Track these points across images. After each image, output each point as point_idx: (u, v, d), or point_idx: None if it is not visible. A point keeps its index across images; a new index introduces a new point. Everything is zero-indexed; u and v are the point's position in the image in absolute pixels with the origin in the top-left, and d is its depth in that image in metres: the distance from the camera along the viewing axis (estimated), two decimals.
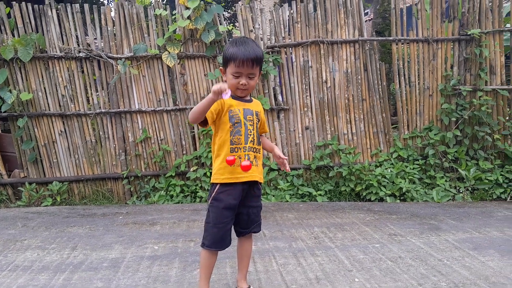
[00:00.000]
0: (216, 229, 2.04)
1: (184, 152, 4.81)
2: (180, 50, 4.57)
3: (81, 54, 4.56)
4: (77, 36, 4.62)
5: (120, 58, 4.55)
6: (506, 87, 4.79)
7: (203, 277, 2.12)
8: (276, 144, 4.83)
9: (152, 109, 4.68)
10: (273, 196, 4.54)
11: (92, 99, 4.71)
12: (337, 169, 4.66)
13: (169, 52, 4.48)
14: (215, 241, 2.06)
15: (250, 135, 2.06)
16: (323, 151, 4.80)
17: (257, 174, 2.09)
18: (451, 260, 2.76)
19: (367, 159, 4.84)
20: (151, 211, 4.10)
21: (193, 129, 4.81)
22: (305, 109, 4.83)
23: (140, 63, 4.64)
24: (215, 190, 2.05)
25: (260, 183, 2.15)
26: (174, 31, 4.59)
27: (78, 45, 4.62)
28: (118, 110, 4.66)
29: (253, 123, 2.08)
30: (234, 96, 2.09)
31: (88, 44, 4.68)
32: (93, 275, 2.57)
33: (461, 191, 4.50)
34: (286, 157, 2.18)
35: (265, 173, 4.65)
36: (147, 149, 4.77)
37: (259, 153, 2.13)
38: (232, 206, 2.05)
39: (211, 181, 2.10)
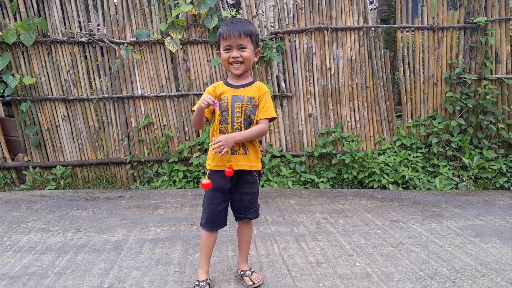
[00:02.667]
0: (208, 209, 2.10)
1: (187, 138, 4.81)
2: (182, 35, 4.54)
3: (83, 39, 4.54)
4: (79, 21, 4.60)
5: (123, 43, 4.53)
6: (511, 76, 4.75)
7: (202, 257, 2.16)
8: (279, 132, 4.83)
9: (155, 94, 4.67)
10: (276, 182, 4.55)
11: (95, 84, 4.70)
12: (340, 156, 4.66)
13: (172, 38, 4.45)
14: (207, 220, 2.12)
15: (237, 122, 2.03)
16: (326, 138, 4.79)
17: (245, 162, 2.07)
18: (452, 247, 2.77)
19: (370, 147, 4.83)
20: (154, 195, 4.12)
21: None
22: (309, 96, 4.80)
23: (143, 48, 4.62)
24: (207, 173, 2.10)
25: (254, 170, 2.12)
26: (177, 16, 4.56)
27: (81, 30, 4.60)
28: (121, 95, 4.65)
29: (241, 110, 2.03)
30: (226, 82, 2.10)
31: (91, 29, 4.65)
32: (96, 256, 2.60)
33: (464, 180, 4.49)
34: (220, 141, 1.93)
35: (267, 160, 4.65)
36: (150, 134, 4.77)
37: (250, 141, 2.08)
38: (223, 189, 2.08)
39: None
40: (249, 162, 2.09)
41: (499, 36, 4.72)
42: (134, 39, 4.57)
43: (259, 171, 2.18)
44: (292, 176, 4.63)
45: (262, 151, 4.83)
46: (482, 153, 4.64)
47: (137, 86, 4.70)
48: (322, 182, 4.53)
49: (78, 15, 4.57)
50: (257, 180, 2.17)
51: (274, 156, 4.75)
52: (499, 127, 4.68)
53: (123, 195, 4.18)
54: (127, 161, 4.69)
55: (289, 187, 4.46)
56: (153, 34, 4.58)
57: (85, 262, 2.52)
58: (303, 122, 4.85)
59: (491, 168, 4.50)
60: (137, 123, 4.74)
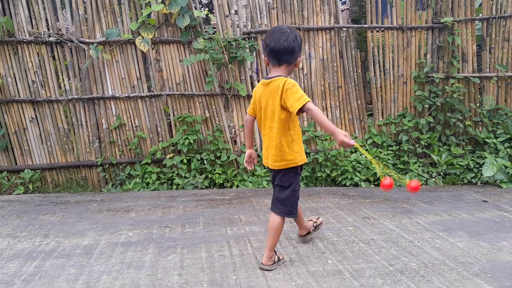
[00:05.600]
0: (297, 199, 2.47)
1: (160, 139, 4.75)
2: (154, 35, 4.49)
3: (51, 39, 4.42)
4: (47, 20, 4.47)
5: (92, 43, 4.43)
6: (477, 74, 4.91)
7: (277, 240, 2.42)
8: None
9: (126, 95, 4.59)
10: (251, 182, 4.55)
11: (64, 85, 4.58)
12: (313, 155, 4.71)
13: (143, 37, 4.39)
14: (296, 208, 2.47)
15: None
16: None
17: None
18: (421, 242, 2.84)
19: None
20: (126, 198, 4.05)
21: (169, 116, 4.76)
22: None
23: (113, 48, 4.53)
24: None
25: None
26: (148, 16, 4.50)
27: (48, 29, 4.48)
28: (91, 96, 4.55)
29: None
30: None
31: (59, 29, 4.53)
32: (66, 262, 2.54)
33: (433, 176, 4.61)
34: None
35: (242, 160, 4.66)
36: (121, 136, 4.69)
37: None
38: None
39: None
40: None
41: (465, 36, 4.87)
42: (104, 38, 4.48)
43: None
44: (267, 176, 4.64)
45: (236, 151, 4.83)
46: (450, 150, 4.78)
47: (107, 87, 4.61)
48: None
49: (46, 14, 4.45)
50: (284, 176, 2.40)
51: None
52: (466, 124, 4.83)
53: (94, 198, 4.09)
54: (98, 163, 4.60)
55: (264, 187, 4.47)
56: (124, 33, 4.51)
57: (54, 268, 2.45)
58: None
59: (459, 164, 4.63)
60: (108, 125, 4.65)
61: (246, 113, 4.78)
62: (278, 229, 2.38)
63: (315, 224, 2.83)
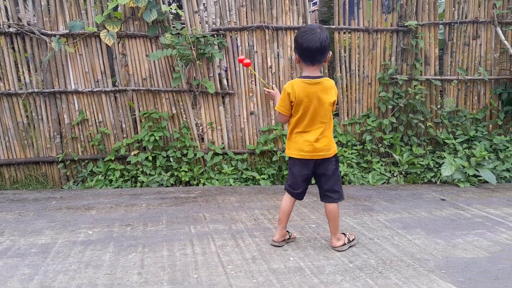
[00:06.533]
0: None
1: (125, 135, 4.65)
2: (120, 28, 4.38)
3: (11, 30, 4.24)
4: (6, 10, 4.28)
5: (55, 35, 4.28)
6: (439, 77, 5.08)
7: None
8: (221, 130, 4.82)
9: (90, 89, 4.47)
10: (217, 180, 4.54)
11: (24, 78, 4.40)
12: (280, 153, 4.74)
13: (108, 30, 4.28)
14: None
15: None
16: (268, 136, 4.85)
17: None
18: (381, 239, 2.91)
19: None
20: (87, 195, 3.95)
21: (134, 111, 4.66)
22: (250, 94, 4.83)
23: (77, 41, 4.40)
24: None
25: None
26: (114, 9, 4.39)
27: (8, 20, 4.29)
28: (53, 90, 4.40)
29: None
30: None
31: (19, 19, 4.35)
32: (20, 262, 2.45)
33: (395, 175, 4.74)
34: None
35: (209, 157, 4.63)
36: (84, 131, 4.56)
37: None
38: None
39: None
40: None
41: (428, 40, 5.02)
42: (67, 31, 4.34)
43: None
44: (234, 174, 4.64)
45: (204, 148, 4.80)
46: (412, 150, 4.93)
47: (70, 81, 4.47)
48: (263, 179, 4.58)
49: (6, 4, 4.26)
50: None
51: (216, 154, 4.74)
52: (427, 125, 4.99)
53: (54, 195, 3.97)
54: (59, 159, 4.46)
55: (231, 185, 4.47)
56: (88, 26, 4.38)
57: (7, 268, 2.36)
58: (245, 120, 4.87)
59: (419, 164, 4.78)
60: (70, 120, 4.51)
61: (214, 111, 4.78)
62: (337, 214, 2.62)
63: (288, 238, 2.82)
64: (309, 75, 2.47)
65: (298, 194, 2.65)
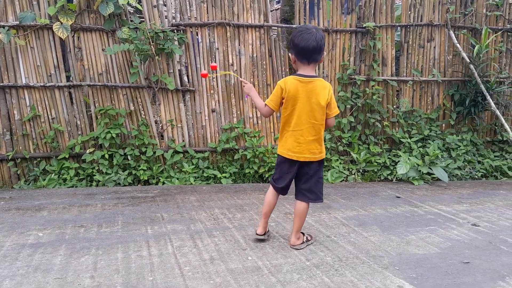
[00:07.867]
0: None
1: (80, 132, 4.48)
2: (74, 21, 4.20)
3: None
4: None
5: (3, 26, 4.05)
6: (395, 78, 5.24)
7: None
8: (181, 127, 4.74)
9: (42, 84, 4.27)
10: (177, 179, 4.46)
11: None
12: (242, 152, 4.73)
13: (62, 23, 4.09)
14: None
15: None
16: (229, 134, 4.82)
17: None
18: (338, 236, 2.97)
19: (270, 142, 4.98)
20: (38, 195, 3.77)
21: (90, 108, 4.50)
22: (212, 91, 4.79)
23: (28, 33, 4.18)
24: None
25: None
26: (69, 0, 4.20)
27: None
28: (2, 84, 4.17)
29: None
30: None
31: None
32: None
33: (353, 173, 4.86)
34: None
35: (169, 155, 4.55)
36: (36, 128, 4.35)
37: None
38: None
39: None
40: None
41: (386, 41, 5.17)
42: (17, 22, 4.12)
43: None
44: (195, 172, 4.58)
45: (163, 146, 4.70)
46: (369, 148, 5.06)
47: (21, 75, 4.25)
48: (225, 177, 4.56)
49: None
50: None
51: (176, 152, 4.66)
52: (384, 124, 5.15)
53: (3, 195, 3.76)
54: (9, 157, 4.23)
55: (191, 183, 4.41)
56: (40, 18, 4.17)
57: None
58: (207, 118, 4.82)
59: (376, 162, 4.92)
60: (21, 116, 4.29)
61: (174, 108, 4.70)
62: (305, 214, 2.70)
63: (268, 231, 2.87)
64: (303, 73, 2.52)
65: (281, 189, 2.72)
